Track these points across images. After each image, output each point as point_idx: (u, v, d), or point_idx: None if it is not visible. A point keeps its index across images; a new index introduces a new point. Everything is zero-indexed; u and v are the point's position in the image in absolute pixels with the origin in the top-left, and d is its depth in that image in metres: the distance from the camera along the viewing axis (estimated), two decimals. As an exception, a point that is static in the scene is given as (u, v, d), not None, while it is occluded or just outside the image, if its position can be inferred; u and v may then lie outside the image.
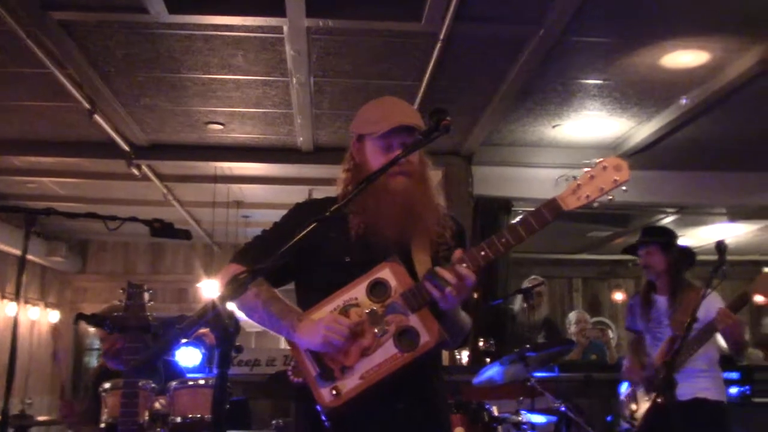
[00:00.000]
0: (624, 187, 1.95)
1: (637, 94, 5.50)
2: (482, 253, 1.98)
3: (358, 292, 2.06)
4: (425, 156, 2.24)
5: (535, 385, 4.23)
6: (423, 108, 5.42)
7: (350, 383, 2.00)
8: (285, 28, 4.42)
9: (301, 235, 1.83)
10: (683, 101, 5.52)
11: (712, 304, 3.71)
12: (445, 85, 5.23)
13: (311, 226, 1.85)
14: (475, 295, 6.58)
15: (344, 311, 2.04)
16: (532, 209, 1.99)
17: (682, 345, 3.61)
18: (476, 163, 6.83)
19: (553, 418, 4.32)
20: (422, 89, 5.20)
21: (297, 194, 7.18)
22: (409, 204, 2.10)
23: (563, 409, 4.20)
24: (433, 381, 2.19)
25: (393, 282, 2.04)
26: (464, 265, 1.96)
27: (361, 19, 4.36)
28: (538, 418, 4.29)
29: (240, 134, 6.36)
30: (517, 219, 2.02)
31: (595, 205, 1.97)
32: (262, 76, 5.15)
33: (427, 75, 4.99)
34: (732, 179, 7.14)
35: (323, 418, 2.01)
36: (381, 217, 2.09)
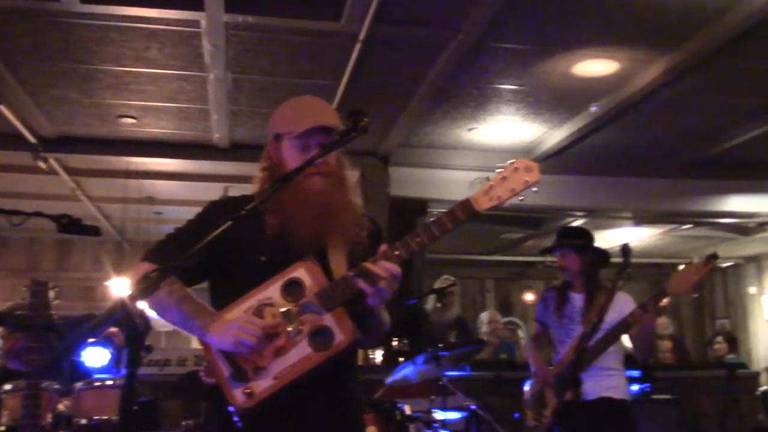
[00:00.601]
0: (534, 189, 1.99)
1: (550, 100, 5.65)
2: (396, 252, 1.99)
3: (272, 291, 2.03)
4: (343, 156, 2.23)
5: (447, 384, 4.29)
6: (341, 108, 5.42)
7: (263, 384, 1.98)
8: (203, 23, 4.34)
9: (216, 233, 1.81)
10: (593, 108, 5.71)
11: (623, 305, 3.78)
12: (363, 86, 5.24)
13: (226, 225, 1.83)
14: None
15: (258, 311, 2.01)
16: (447, 210, 2.01)
17: (592, 344, 3.69)
18: (393, 164, 6.88)
19: (464, 416, 4.40)
20: (341, 89, 5.21)
21: (212, 191, 7.05)
22: (325, 204, 2.09)
23: (473, 407, 4.28)
24: (348, 380, 2.19)
25: (308, 281, 2.02)
26: (396, 252, 1.97)
27: (280, 16, 4.33)
28: (450, 416, 4.36)
29: (154, 129, 6.21)
30: (432, 219, 2.03)
31: (507, 205, 2.02)
32: (177, 71, 5.04)
33: (346, 75, 5.00)
34: (638, 185, 7.42)
35: (235, 419, 1.98)
36: (297, 216, 2.07)
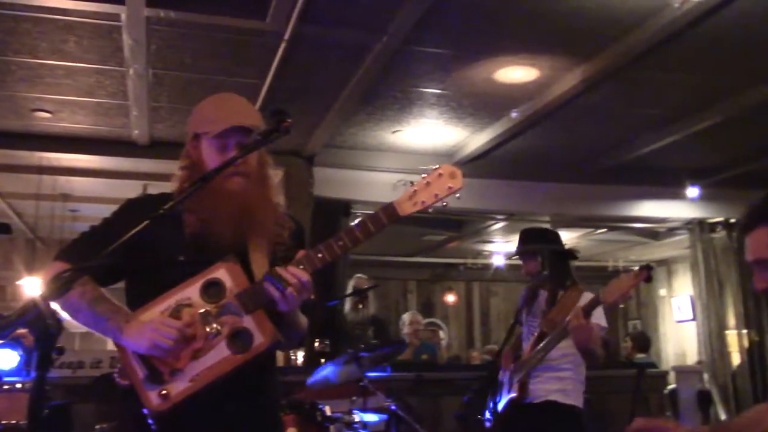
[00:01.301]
0: (458, 195, 2.01)
1: (472, 105, 5.75)
2: (319, 255, 1.98)
3: (191, 292, 1.99)
4: (266, 155, 2.21)
5: (368, 385, 4.30)
6: (265, 107, 5.38)
7: (179, 386, 1.94)
8: (123, 16, 4.24)
9: (133, 232, 1.77)
10: (514, 114, 5.83)
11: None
12: (288, 86, 5.22)
13: (143, 224, 1.79)
14: (312, 296, 6.63)
15: (176, 312, 1.98)
16: (370, 213, 2.01)
17: (542, 345, 3.66)
18: (317, 164, 6.87)
19: (384, 417, 4.42)
20: (265, 88, 5.17)
21: (131, 189, 6.90)
22: (245, 205, 2.07)
23: (394, 407, 4.30)
24: (266, 382, 2.17)
25: (228, 282, 2.00)
26: (300, 267, 1.96)
27: (204, 12, 4.26)
28: (370, 417, 4.38)
29: (70, 124, 6.02)
30: (355, 222, 2.03)
31: (430, 210, 2.04)
32: (96, 64, 4.91)
33: (271, 74, 4.97)
34: (555, 189, 7.61)
35: (150, 422, 1.94)
36: (217, 217, 2.04)
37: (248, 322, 1.98)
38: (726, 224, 8.25)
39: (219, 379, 1.95)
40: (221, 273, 2.01)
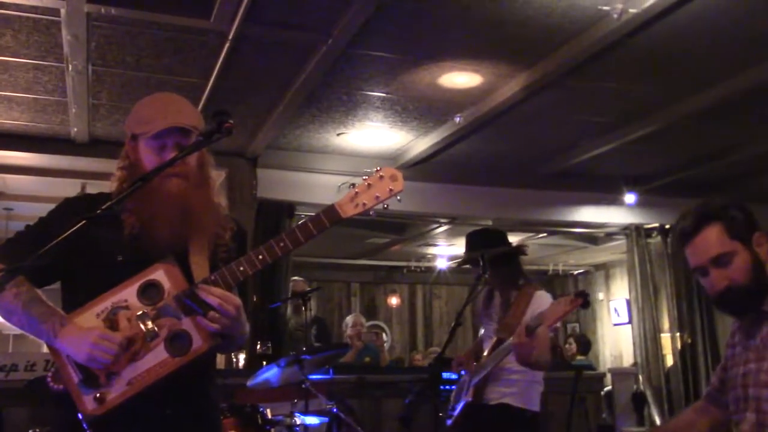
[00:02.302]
0: (398, 197, 2.03)
1: (416, 109, 5.79)
2: (260, 257, 1.98)
3: (128, 293, 1.97)
4: (207, 155, 2.19)
5: (310, 387, 4.30)
6: (208, 107, 5.33)
7: (116, 390, 1.91)
8: (62, 11, 4.14)
9: (69, 232, 1.74)
10: (457, 119, 5.89)
11: (541, 306, 3.61)
12: (232, 86, 5.18)
13: (80, 224, 1.76)
14: (254, 298, 6.60)
15: (112, 314, 1.95)
16: (312, 214, 2.02)
17: (498, 348, 3.67)
18: (261, 165, 6.83)
19: (326, 419, 4.42)
20: (208, 88, 5.11)
21: (69, 187, 6.75)
22: (184, 206, 2.05)
23: (335, 410, 4.31)
24: (205, 385, 2.15)
25: (167, 284, 1.98)
26: (240, 269, 1.96)
27: (146, 10, 4.20)
28: (311, 420, 4.37)
29: (6, 120, 5.85)
30: (297, 224, 2.03)
31: (372, 213, 2.06)
32: (33, 60, 4.78)
33: (214, 74, 4.92)
34: (498, 194, 7.70)
35: (84, 426, 1.91)
36: (155, 218, 2.02)
37: (187, 324, 1.96)
38: (661, 230, 8.48)
39: (157, 383, 1.93)
40: (159, 274, 1.99)
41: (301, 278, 7.04)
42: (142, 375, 1.92)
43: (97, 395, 1.91)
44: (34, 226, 2.13)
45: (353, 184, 2.05)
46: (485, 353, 3.86)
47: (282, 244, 1.99)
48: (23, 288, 1.98)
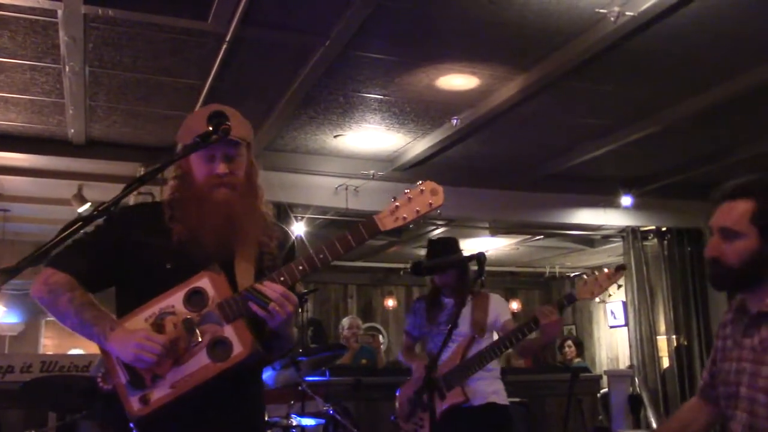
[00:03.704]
0: (438, 211, 2.07)
1: (414, 111, 5.79)
2: (300, 267, 2.05)
3: (175, 300, 2.05)
4: (256, 165, 2.29)
5: (306, 389, 4.30)
6: (206, 108, 5.32)
7: (160, 392, 1.99)
8: (59, 13, 4.14)
9: (64, 234, 1.75)
10: (454, 121, 5.89)
11: (499, 306, 3.88)
12: (229, 88, 5.17)
13: (76, 225, 1.79)
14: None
15: (160, 319, 2.02)
16: (352, 226, 2.06)
17: (484, 348, 3.75)
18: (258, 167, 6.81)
19: (322, 421, 4.42)
20: (205, 90, 5.11)
21: (65, 189, 6.74)
22: (231, 216, 2.11)
23: (331, 412, 4.31)
24: (249, 391, 2.19)
25: (211, 292, 2.04)
26: (281, 279, 2.02)
27: (144, 11, 4.20)
28: (308, 422, 4.37)
29: (2, 121, 5.84)
30: (336, 236, 2.08)
31: (411, 226, 2.09)
32: (30, 61, 4.78)
33: (212, 76, 4.92)
34: (494, 196, 7.71)
35: (131, 426, 1.99)
36: (203, 227, 2.09)
37: (228, 331, 2.02)
38: (658, 232, 8.50)
39: (199, 387, 1.99)
40: (204, 282, 2.05)
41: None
42: (185, 379, 1.99)
43: (143, 397, 1.99)
44: (88, 233, 2.18)
45: (394, 198, 2.08)
46: (454, 356, 3.87)
47: (321, 256, 2.07)
48: (77, 293, 2.07)
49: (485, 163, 7.20)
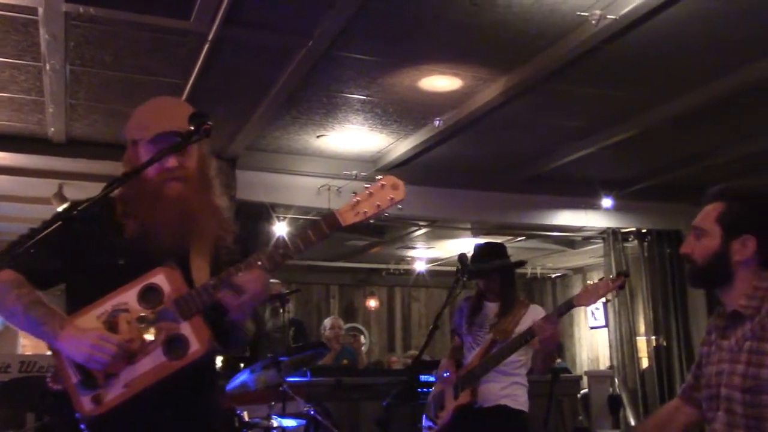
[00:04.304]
0: (399, 206, 2.05)
1: (396, 111, 5.80)
2: (259, 263, 2.01)
3: (128, 297, 2.00)
4: (209, 158, 2.22)
5: (287, 390, 4.29)
6: (188, 108, 5.30)
7: (114, 391, 1.94)
8: (40, 11, 4.11)
9: (44, 233, 1.74)
10: (437, 122, 5.91)
11: (536, 317, 3.77)
12: (211, 87, 5.15)
13: (56, 224, 1.79)
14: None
15: (112, 317, 1.97)
16: (313, 221, 2.05)
17: (495, 350, 3.75)
18: (240, 167, 6.80)
19: (303, 422, 4.42)
20: (188, 89, 5.09)
21: (46, 187, 6.68)
22: (184, 210, 2.08)
23: (312, 412, 4.31)
24: (204, 388, 2.17)
25: (167, 288, 2.00)
26: (259, 263, 1.99)
27: (125, 10, 4.17)
28: (289, 422, 4.37)
29: (-19, 119, 5.80)
30: (298, 231, 2.07)
31: (371, 221, 2.06)
32: (10, 59, 4.73)
33: (194, 75, 4.90)
34: (477, 197, 7.74)
35: (82, 426, 1.94)
36: (156, 222, 2.05)
37: (185, 328, 1.98)
38: (638, 234, 8.56)
39: (154, 385, 1.95)
40: (159, 278, 2.01)
41: (277, 281, 7.01)
42: (140, 377, 1.94)
43: (95, 396, 1.94)
44: (37, 230, 2.13)
45: (355, 192, 2.06)
46: (473, 358, 3.91)
47: (281, 251, 2.03)
48: (24, 290, 2.01)
49: (467, 165, 7.22)
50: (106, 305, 1.99)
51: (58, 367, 2.00)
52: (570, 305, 3.62)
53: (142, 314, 1.98)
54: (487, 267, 3.98)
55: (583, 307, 3.62)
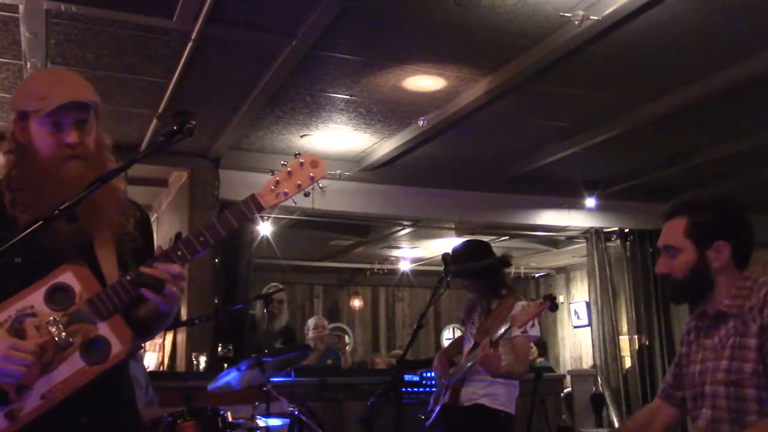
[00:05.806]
0: (321, 184, 1.97)
1: (381, 111, 5.80)
2: (179, 253, 1.85)
3: (34, 299, 1.79)
4: (105, 136, 2.04)
5: (271, 390, 4.28)
6: (171, 107, 5.28)
7: (29, 405, 1.76)
8: (21, 8, 4.07)
9: (24, 234, 1.65)
10: (421, 122, 5.91)
11: (515, 318, 3.60)
12: (194, 86, 5.13)
13: (37, 225, 1.67)
14: (216, 300, 6.54)
15: (17, 323, 1.77)
16: (233, 206, 1.91)
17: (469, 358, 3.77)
18: (224, 166, 6.77)
19: (287, 422, 4.41)
20: (171, 88, 5.06)
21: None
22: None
23: (296, 412, 4.29)
24: (121, 390, 2.02)
25: (77, 287, 1.82)
26: (179, 252, 1.84)
27: (107, 8, 4.14)
28: (273, 422, 4.35)
29: (-40, 117, 5.73)
30: (217, 217, 1.93)
31: (294, 202, 1.96)
32: (-10, 57, 4.70)
33: (177, 74, 4.87)
34: (461, 197, 7.75)
35: None
36: (53, 210, 1.77)
37: (104, 329, 1.82)
38: (621, 234, 8.61)
39: (74, 394, 1.80)
40: (67, 276, 1.83)
41: (279, 285, 6.90)
42: (58, 387, 1.77)
43: (9, 412, 1.75)
44: None
45: (273, 171, 1.96)
46: (462, 357, 3.97)
47: (202, 239, 1.87)
48: None
49: (451, 164, 7.23)
50: (9, 310, 1.78)
51: None
52: (506, 331, 3.57)
53: (53, 317, 1.78)
54: (465, 268, 3.96)
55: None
